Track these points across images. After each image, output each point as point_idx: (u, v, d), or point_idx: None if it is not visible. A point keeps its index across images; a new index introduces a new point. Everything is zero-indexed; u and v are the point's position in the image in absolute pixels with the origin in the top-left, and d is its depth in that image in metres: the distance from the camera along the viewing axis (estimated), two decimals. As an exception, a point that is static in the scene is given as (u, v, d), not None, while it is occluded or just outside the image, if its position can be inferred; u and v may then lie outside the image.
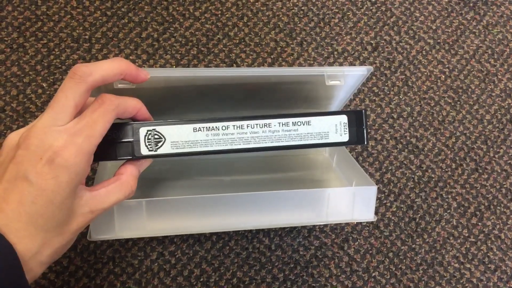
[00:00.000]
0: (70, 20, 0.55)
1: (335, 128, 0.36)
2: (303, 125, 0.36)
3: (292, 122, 0.36)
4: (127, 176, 0.33)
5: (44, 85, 0.53)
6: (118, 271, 0.48)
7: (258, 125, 0.35)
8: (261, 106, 0.46)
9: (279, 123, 0.35)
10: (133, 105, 0.33)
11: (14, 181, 0.28)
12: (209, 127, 0.34)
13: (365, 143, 0.37)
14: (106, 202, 0.32)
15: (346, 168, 0.48)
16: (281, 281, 0.50)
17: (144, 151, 0.34)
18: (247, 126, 0.35)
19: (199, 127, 0.34)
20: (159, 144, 0.34)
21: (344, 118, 0.36)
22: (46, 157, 0.28)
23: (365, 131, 0.37)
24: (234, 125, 0.35)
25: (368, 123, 0.56)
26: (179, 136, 0.34)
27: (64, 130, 0.29)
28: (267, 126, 0.35)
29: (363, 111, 0.37)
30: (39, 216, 0.28)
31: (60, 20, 0.55)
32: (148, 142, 0.34)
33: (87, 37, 0.55)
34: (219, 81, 0.39)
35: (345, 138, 0.36)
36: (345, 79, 0.39)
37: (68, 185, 0.28)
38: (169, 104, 0.42)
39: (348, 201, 0.40)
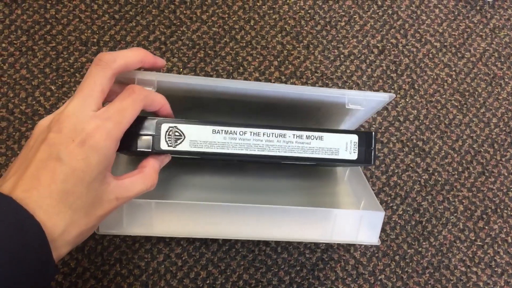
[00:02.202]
0: (79, 23, 0.55)
1: (345, 145, 0.38)
2: (316, 139, 0.38)
3: (306, 135, 0.37)
4: (150, 169, 0.35)
5: (53, 87, 0.53)
6: (125, 272, 0.49)
7: (273, 134, 0.37)
8: (277, 116, 0.47)
9: (294, 134, 0.37)
10: (159, 100, 0.35)
11: (47, 161, 0.29)
12: (228, 131, 0.36)
13: (372, 163, 0.39)
14: (131, 191, 0.33)
15: (356, 183, 0.48)
16: (287, 283, 0.50)
17: (163, 146, 0.35)
18: (263, 134, 0.37)
19: (218, 130, 0.36)
20: (179, 141, 0.35)
21: (355, 138, 0.38)
22: (79, 139, 0.29)
23: (373, 152, 0.39)
24: (251, 132, 0.36)
25: (375, 126, 0.56)
26: (198, 136, 0.36)
27: (95, 115, 0.31)
28: (282, 136, 0.37)
29: (373, 133, 0.39)
30: (70, 194, 0.29)
31: (69, 23, 0.55)
32: (168, 138, 0.35)
33: (95, 40, 0.55)
34: (238, 92, 0.39)
35: (354, 156, 0.38)
36: (366, 103, 0.40)
37: (97, 167, 0.30)
38: (188, 104, 0.43)
39: (354, 223, 0.41)
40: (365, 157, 0.38)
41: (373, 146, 0.39)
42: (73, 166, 0.29)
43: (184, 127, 0.36)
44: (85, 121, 0.30)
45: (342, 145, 0.38)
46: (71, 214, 0.29)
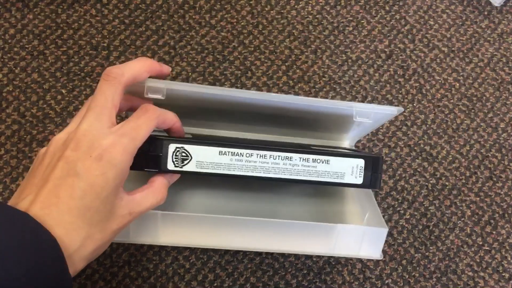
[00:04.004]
0: (89, 28, 0.56)
1: (351, 170, 0.38)
2: (322, 163, 0.38)
3: (312, 159, 0.38)
4: (159, 183, 0.36)
5: (64, 91, 0.54)
6: (134, 275, 0.49)
7: (280, 157, 0.37)
8: (285, 124, 0.47)
9: (300, 158, 0.38)
10: (171, 118, 0.36)
11: (65, 178, 0.30)
12: (234, 153, 0.37)
13: (378, 188, 0.39)
14: (142, 205, 0.34)
15: (362, 195, 0.48)
16: (294, 287, 0.50)
17: (170, 166, 0.36)
18: (270, 157, 0.37)
19: (225, 151, 0.36)
20: (185, 162, 0.36)
21: (361, 162, 0.38)
22: (95, 154, 0.30)
23: (379, 177, 0.39)
24: (257, 154, 0.37)
25: (382, 130, 0.56)
26: (205, 157, 0.36)
27: (111, 132, 0.31)
28: (288, 159, 0.37)
29: (380, 158, 0.39)
30: (87, 209, 0.30)
31: (80, 28, 0.56)
32: (175, 158, 0.36)
33: (105, 44, 0.56)
34: (245, 102, 0.40)
35: (360, 181, 0.38)
36: (374, 116, 0.40)
37: (114, 181, 0.31)
38: (196, 111, 0.44)
39: (357, 238, 0.41)
40: (370, 182, 0.38)
41: (379, 171, 0.39)
42: (91, 181, 0.30)
43: (191, 148, 0.36)
44: (101, 137, 0.31)
45: (348, 170, 0.38)
46: (87, 229, 0.30)
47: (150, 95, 0.37)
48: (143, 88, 0.36)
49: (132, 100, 0.38)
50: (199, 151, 0.36)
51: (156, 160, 0.35)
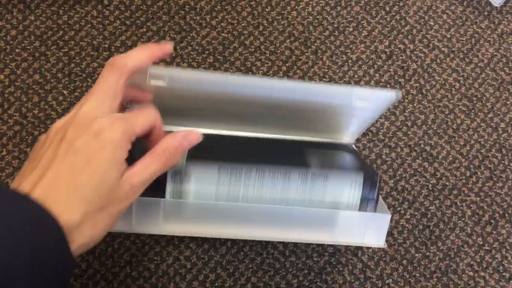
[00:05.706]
0: (91, 29, 0.56)
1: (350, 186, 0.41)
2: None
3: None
4: (161, 146, 0.34)
5: (65, 92, 0.54)
6: (135, 274, 0.49)
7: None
8: (283, 121, 0.47)
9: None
10: (145, 123, 0.35)
11: (65, 155, 0.30)
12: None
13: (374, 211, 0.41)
14: (143, 173, 0.33)
15: None
16: (295, 287, 0.50)
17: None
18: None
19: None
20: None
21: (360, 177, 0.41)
22: (93, 132, 0.31)
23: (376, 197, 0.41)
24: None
25: (382, 131, 0.56)
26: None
27: (110, 115, 0.32)
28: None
29: (378, 175, 0.41)
30: (85, 186, 0.30)
31: (81, 29, 0.56)
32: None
33: (106, 45, 0.56)
34: (247, 87, 0.40)
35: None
36: (372, 101, 0.40)
37: (111, 156, 0.31)
38: (194, 103, 0.43)
39: (360, 225, 0.41)
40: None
41: (376, 191, 0.41)
42: (89, 157, 0.30)
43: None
44: (101, 117, 0.31)
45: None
46: (86, 206, 0.30)
47: (153, 81, 0.37)
48: (145, 75, 0.36)
49: (134, 91, 0.38)
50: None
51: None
